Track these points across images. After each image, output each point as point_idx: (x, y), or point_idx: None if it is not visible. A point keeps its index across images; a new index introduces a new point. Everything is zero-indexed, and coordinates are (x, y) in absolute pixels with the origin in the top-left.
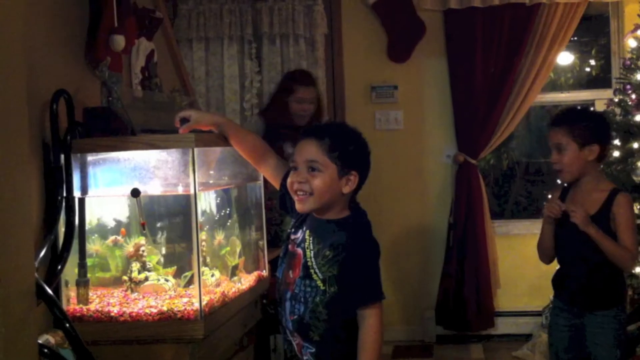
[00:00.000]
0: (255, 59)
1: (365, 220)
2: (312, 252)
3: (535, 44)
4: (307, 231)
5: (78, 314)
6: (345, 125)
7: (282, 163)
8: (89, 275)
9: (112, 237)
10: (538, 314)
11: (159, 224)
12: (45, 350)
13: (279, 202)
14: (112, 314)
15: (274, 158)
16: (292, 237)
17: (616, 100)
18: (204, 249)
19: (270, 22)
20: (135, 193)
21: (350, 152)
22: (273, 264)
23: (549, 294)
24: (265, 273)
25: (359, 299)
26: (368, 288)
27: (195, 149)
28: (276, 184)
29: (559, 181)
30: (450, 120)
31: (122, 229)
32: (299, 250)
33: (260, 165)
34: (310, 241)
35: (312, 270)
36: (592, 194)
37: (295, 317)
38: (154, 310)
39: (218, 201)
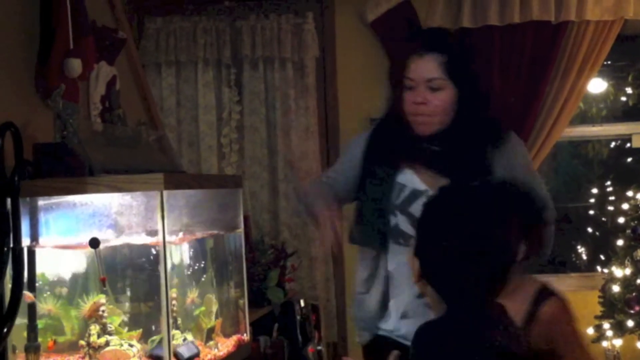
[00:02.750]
0: (234, 87)
1: None
2: None
3: (563, 68)
4: None
5: None
6: None
7: None
8: (40, 339)
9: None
10: None
11: (122, 280)
12: None
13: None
14: None
15: None
16: None
17: None
18: (175, 308)
19: (252, 44)
20: (94, 243)
21: None
22: (255, 327)
23: None
24: (246, 337)
25: None
26: None
27: (165, 192)
28: None
29: None
30: None
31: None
32: None
33: None
34: None
35: None
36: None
37: None
38: None
39: (191, 253)
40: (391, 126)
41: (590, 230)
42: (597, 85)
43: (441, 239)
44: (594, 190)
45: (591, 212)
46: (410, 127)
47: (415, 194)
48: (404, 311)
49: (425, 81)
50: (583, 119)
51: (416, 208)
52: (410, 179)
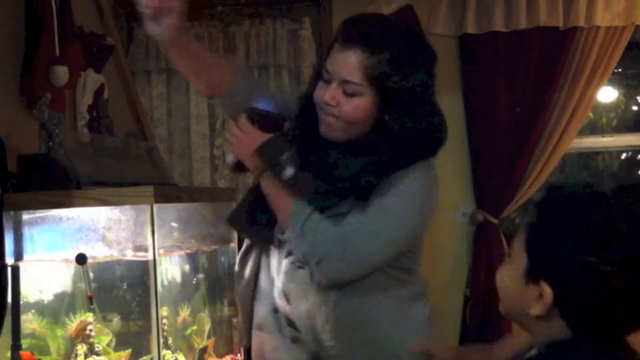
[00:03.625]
0: None
1: None
2: None
3: (571, 76)
4: None
5: None
6: None
7: None
8: None
9: None
10: None
11: (110, 297)
12: None
13: None
14: None
15: None
16: None
17: None
18: (166, 327)
19: (246, 51)
20: (81, 259)
21: None
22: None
23: None
24: (240, 357)
25: None
26: None
27: (155, 206)
28: None
29: None
30: (467, 169)
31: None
32: None
33: None
34: None
35: None
36: None
37: None
38: None
39: (183, 269)
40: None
41: None
42: (607, 94)
43: (579, 255)
44: None
45: None
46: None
47: None
48: (259, 323)
49: (340, 81)
50: (593, 129)
51: None
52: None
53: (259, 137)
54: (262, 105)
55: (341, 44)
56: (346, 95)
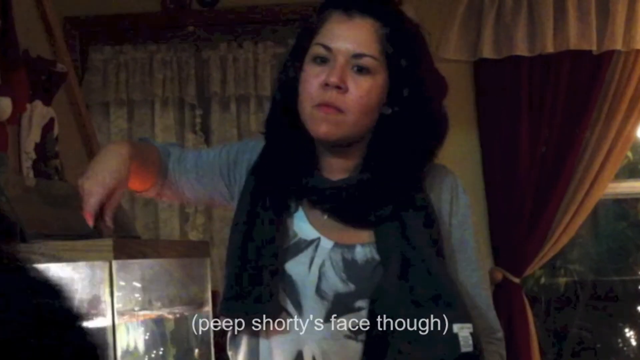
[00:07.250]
0: (200, 132)
1: None
2: None
3: (606, 109)
4: None
5: None
6: None
7: None
8: None
9: None
10: None
11: None
12: None
13: None
14: None
15: None
16: None
17: None
18: None
19: (222, 79)
20: None
21: None
22: None
23: None
24: None
25: None
26: None
27: (114, 262)
28: None
29: None
30: (483, 220)
31: None
32: None
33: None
34: None
35: None
36: None
37: None
38: None
39: (147, 336)
40: (281, 131)
41: None
42: None
43: None
44: None
45: None
46: (307, 130)
47: (298, 246)
48: None
49: (350, 57)
50: (632, 171)
51: (294, 267)
52: (297, 223)
53: None
54: None
55: (346, 14)
56: (357, 74)
